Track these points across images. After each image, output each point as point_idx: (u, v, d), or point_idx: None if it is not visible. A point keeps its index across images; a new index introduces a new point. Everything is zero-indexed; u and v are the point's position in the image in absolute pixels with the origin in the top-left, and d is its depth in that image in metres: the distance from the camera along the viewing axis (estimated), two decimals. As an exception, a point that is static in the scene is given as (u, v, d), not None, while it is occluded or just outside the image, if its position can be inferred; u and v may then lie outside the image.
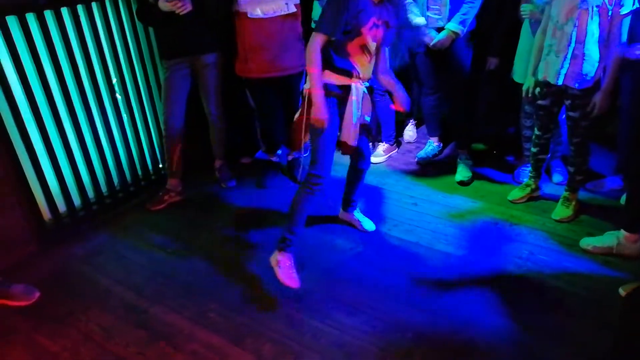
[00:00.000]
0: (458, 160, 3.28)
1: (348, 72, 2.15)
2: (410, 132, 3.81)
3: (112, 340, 2.08)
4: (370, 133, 2.47)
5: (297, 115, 2.28)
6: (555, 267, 2.41)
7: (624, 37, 2.31)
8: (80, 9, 2.63)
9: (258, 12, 2.68)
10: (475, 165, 3.28)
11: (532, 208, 2.88)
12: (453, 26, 2.85)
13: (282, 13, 2.70)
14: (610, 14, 2.29)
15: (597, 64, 2.40)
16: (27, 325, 2.17)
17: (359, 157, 2.49)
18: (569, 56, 2.42)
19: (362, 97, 2.24)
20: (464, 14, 2.83)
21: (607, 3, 2.27)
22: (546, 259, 2.46)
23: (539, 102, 2.66)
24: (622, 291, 2.19)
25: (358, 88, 2.21)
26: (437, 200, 3.00)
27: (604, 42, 2.36)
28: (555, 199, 2.86)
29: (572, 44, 2.39)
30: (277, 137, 3.21)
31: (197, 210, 3.02)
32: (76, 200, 2.82)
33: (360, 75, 2.19)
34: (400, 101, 2.38)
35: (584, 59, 2.39)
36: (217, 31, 2.81)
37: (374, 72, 2.31)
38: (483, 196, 3.02)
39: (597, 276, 2.34)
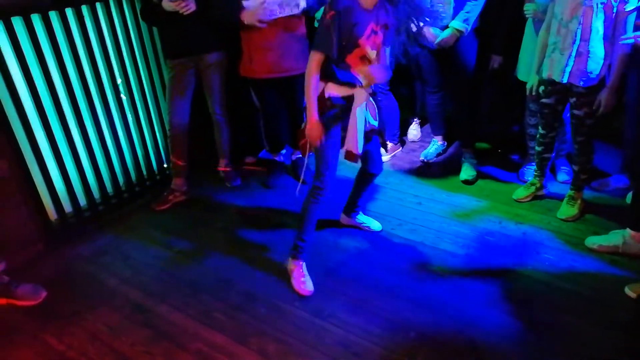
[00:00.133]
0: (462, 159, 3.27)
1: (351, 84, 2.14)
2: (414, 131, 3.81)
3: (118, 339, 2.10)
4: (382, 136, 2.44)
5: (303, 125, 2.27)
6: (561, 266, 2.40)
7: (629, 34, 2.29)
8: (84, 9, 2.64)
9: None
10: (479, 164, 3.27)
11: (537, 207, 2.87)
12: (457, 24, 2.83)
13: (285, 14, 2.69)
14: (615, 10, 2.28)
15: (602, 62, 2.39)
16: (34, 324, 2.19)
17: (370, 161, 2.46)
18: (573, 54, 2.40)
19: (367, 103, 2.22)
20: (467, 12, 2.81)
21: (611, 0, 2.26)
22: (551, 258, 2.46)
23: (544, 100, 2.64)
24: (628, 290, 2.18)
25: (360, 95, 2.18)
26: (441, 200, 3.00)
27: (609, 39, 2.35)
28: (560, 197, 2.85)
29: (577, 42, 2.38)
30: (281, 137, 3.22)
31: (201, 209, 3.03)
32: (82, 200, 2.84)
33: (363, 84, 2.17)
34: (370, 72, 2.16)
35: (588, 57, 2.38)
36: (221, 31, 2.81)
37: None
38: (488, 195, 3.01)
39: (602, 275, 2.33)
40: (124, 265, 2.55)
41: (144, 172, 3.18)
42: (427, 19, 2.67)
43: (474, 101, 3.24)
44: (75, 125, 2.71)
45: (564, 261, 2.43)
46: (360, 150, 2.21)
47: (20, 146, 2.46)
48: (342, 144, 2.24)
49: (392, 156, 3.52)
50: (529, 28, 2.80)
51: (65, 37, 2.58)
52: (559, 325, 2.06)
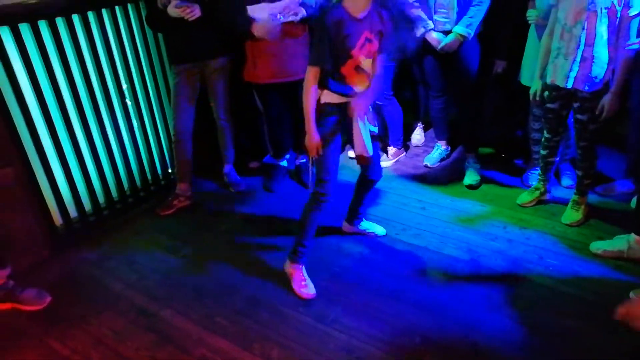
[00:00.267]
0: (466, 163, 3.27)
1: (345, 94, 2.14)
2: (418, 135, 3.81)
3: (123, 343, 2.10)
4: (382, 140, 2.45)
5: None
6: (565, 271, 2.39)
7: (633, 38, 2.29)
8: (90, 15, 2.67)
9: (265, 17, 2.70)
10: (483, 169, 3.27)
11: (541, 212, 2.86)
12: (460, 29, 2.85)
13: (288, 19, 2.71)
14: (618, 15, 2.28)
15: (606, 66, 2.38)
16: (38, 329, 2.20)
17: (369, 167, 2.46)
18: (578, 59, 2.40)
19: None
20: (471, 17, 2.83)
21: (615, 5, 2.26)
22: (556, 263, 2.45)
23: (548, 105, 2.64)
24: (633, 295, 2.17)
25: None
26: (445, 204, 3.00)
27: (613, 43, 2.35)
28: (564, 202, 2.84)
29: (581, 47, 2.38)
30: (285, 142, 3.23)
31: (206, 214, 3.04)
32: (87, 205, 2.86)
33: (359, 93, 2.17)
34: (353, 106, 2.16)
35: (593, 62, 2.38)
36: (225, 37, 2.83)
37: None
38: (492, 200, 3.01)
39: (607, 280, 2.32)
40: (129, 269, 2.56)
41: (149, 177, 3.20)
42: (409, 24, 2.71)
43: (477, 106, 3.24)
44: (80, 131, 2.73)
45: (568, 266, 2.42)
46: (370, 151, 2.23)
47: (27, 151, 2.48)
48: (343, 148, 2.25)
49: (396, 161, 3.53)
50: (532, 33, 2.81)
51: (71, 43, 2.60)
52: (563, 330, 2.05)
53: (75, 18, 2.60)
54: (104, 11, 2.73)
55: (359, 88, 2.14)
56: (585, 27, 2.34)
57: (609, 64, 2.38)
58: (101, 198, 2.93)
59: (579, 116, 2.54)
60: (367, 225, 2.72)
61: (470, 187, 3.14)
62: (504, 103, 3.44)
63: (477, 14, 2.83)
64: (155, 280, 2.48)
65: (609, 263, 2.41)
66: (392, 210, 2.96)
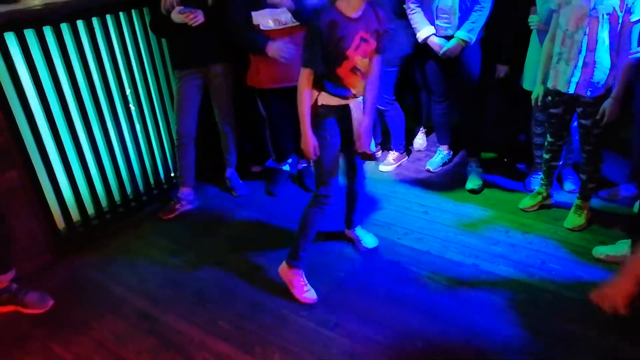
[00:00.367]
0: (468, 168, 3.27)
1: (343, 97, 2.15)
2: (420, 140, 3.81)
3: (125, 348, 2.10)
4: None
5: None
6: (568, 276, 2.38)
7: (635, 44, 2.30)
8: (95, 21, 2.69)
9: (270, 23, 2.72)
10: (485, 173, 3.27)
11: (543, 216, 2.86)
12: (462, 34, 2.85)
13: (293, 24, 2.73)
14: (620, 21, 2.28)
15: (608, 71, 2.39)
16: (41, 333, 2.20)
17: (353, 176, 2.45)
18: (579, 64, 2.40)
19: (360, 114, 2.22)
20: (473, 22, 2.83)
21: (617, 10, 2.26)
22: (558, 267, 2.44)
23: (551, 110, 2.64)
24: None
25: (356, 107, 2.20)
26: (447, 209, 3.00)
27: (615, 49, 2.35)
28: (567, 207, 2.84)
29: (583, 52, 2.38)
30: (287, 146, 3.24)
31: (208, 218, 3.04)
32: (90, 209, 2.87)
33: (356, 94, 2.17)
34: (359, 140, 2.26)
35: (595, 67, 2.38)
36: (228, 42, 2.85)
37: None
38: (494, 204, 3.00)
39: (610, 285, 2.31)
40: (131, 273, 2.57)
41: (152, 181, 3.21)
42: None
43: (479, 110, 3.24)
44: (84, 134, 2.75)
45: (570, 271, 2.41)
46: (373, 148, 2.26)
47: (30, 155, 2.50)
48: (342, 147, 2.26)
49: (398, 165, 3.53)
50: (534, 38, 2.81)
51: (75, 49, 2.62)
52: (566, 335, 2.05)
53: (80, 24, 2.62)
54: (108, 17, 2.75)
55: (355, 89, 2.14)
56: (587, 33, 2.34)
57: (610, 69, 2.38)
58: (104, 202, 2.94)
59: (582, 121, 2.54)
60: (359, 233, 2.68)
61: (473, 191, 3.14)
62: (506, 107, 3.44)
63: (478, 19, 2.83)
64: (157, 284, 2.48)
65: (612, 268, 2.40)
66: (395, 214, 2.96)
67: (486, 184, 3.19)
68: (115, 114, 2.88)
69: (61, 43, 2.54)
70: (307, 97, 2.10)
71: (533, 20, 2.73)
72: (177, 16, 2.65)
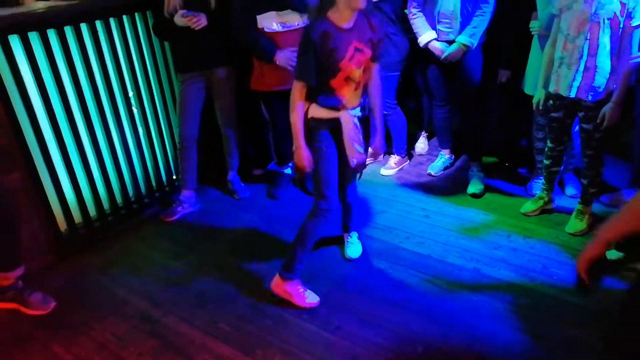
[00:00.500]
0: (470, 172, 3.27)
1: (335, 108, 2.12)
2: (421, 144, 3.82)
3: (126, 349, 2.11)
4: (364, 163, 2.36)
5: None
6: (569, 280, 2.38)
7: (635, 49, 2.31)
8: (98, 24, 2.71)
9: (274, 26, 2.74)
10: (487, 178, 3.27)
11: (545, 221, 2.85)
12: (464, 39, 2.86)
13: (297, 27, 2.74)
14: (621, 26, 2.29)
15: (609, 76, 2.39)
16: (42, 334, 2.21)
17: (344, 193, 2.43)
18: (581, 69, 2.41)
19: (352, 128, 2.16)
20: (474, 27, 2.84)
21: (618, 15, 2.27)
22: (560, 272, 2.44)
23: (552, 114, 2.65)
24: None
25: (347, 120, 2.14)
26: (449, 213, 3.00)
27: (616, 53, 2.36)
28: (568, 211, 2.83)
29: (584, 57, 2.39)
30: (289, 149, 3.23)
31: (210, 221, 3.05)
32: (92, 211, 2.88)
33: (347, 105, 2.12)
34: (374, 144, 2.34)
35: (596, 71, 2.39)
36: (231, 45, 2.86)
37: (365, 91, 2.21)
38: (495, 209, 3.00)
39: (611, 290, 2.30)
40: (132, 275, 2.57)
41: (154, 184, 3.22)
42: None
43: (481, 114, 3.25)
44: (86, 137, 2.76)
45: (572, 276, 2.40)
46: (365, 158, 2.25)
47: (33, 157, 2.51)
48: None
49: (400, 169, 3.54)
50: (535, 42, 2.82)
51: (79, 52, 2.64)
52: (567, 339, 2.04)
53: (84, 27, 2.64)
54: (111, 20, 2.77)
55: (346, 99, 2.10)
56: (588, 38, 2.35)
57: (611, 73, 2.39)
58: (106, 204, 2.95)
59: (584, 125, 2.55)
60: (350, 240, 2.64)
61: (474, 195, 3.14)
62: (507, 112, 3.45)
63: (480, 23, 2.84)
64: (158, 286, 2.48)
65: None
66: (396, 218, 2.96)
67: (488, 189, 3.19)
68: (117, 116, 2.89)
69: (65, 46, 2.56)
70: (300, 110, 2.09)
71: (534, 25, 2.74)
72: (180, 19, 2.67)
